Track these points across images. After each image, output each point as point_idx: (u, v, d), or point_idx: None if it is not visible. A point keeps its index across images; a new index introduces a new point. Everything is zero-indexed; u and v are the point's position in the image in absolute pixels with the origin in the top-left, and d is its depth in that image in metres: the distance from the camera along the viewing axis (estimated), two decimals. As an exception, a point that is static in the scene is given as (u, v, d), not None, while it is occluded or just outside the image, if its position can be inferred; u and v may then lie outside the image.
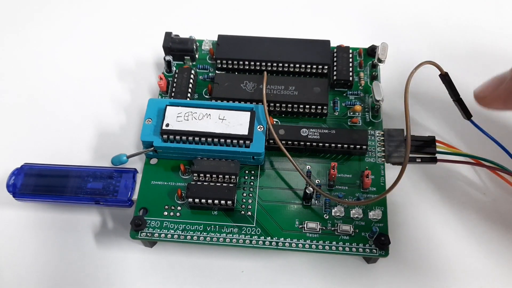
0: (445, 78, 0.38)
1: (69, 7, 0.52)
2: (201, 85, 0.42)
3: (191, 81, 0.41)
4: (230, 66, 0.42)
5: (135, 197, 0.37)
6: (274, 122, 0.40)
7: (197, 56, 0.44)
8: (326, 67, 0.41)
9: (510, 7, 0.51)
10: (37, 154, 0.42)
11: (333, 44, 0.43)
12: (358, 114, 0.40)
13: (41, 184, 0.38)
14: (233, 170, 0.36)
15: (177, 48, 0.43)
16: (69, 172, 0.38)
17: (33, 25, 0.51)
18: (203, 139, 0.37)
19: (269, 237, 0.35)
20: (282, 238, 0.35)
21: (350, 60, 0.42)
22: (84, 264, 0.38)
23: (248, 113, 0.37)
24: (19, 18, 0.52)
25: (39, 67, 0.48)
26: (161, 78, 0.41)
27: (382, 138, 0.38)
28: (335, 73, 0.41)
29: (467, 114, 0.39)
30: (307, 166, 0.38)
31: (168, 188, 0.37)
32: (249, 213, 0.36)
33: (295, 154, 0.38)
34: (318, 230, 0.35)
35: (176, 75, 0.41)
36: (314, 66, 0.41)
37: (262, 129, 0.37)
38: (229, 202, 0.35)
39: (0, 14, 0.52)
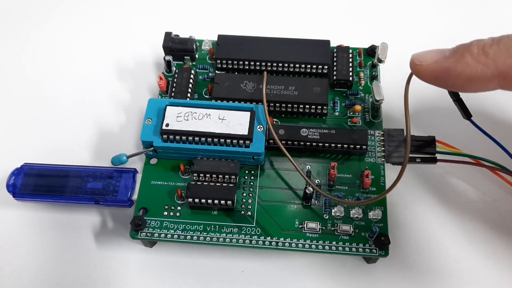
0: (445, 78, 0.38)
1: (69, 7, 0.52)
2: (201, 85, 0.42)
3: (191, 81, 0.41)
4: (230, 66, 0.42)
5: (135, 197, 0.37)
6: (274, 122, 0.40)
7: (197, 56, 0.44)
8: (326, 67, 0.41)
9: (510, 7, 0.51)
10: (37, 154, 0.42)
11: (333, 44, 0.43)
12: (358, 114, 0.40)
13: (41, 184, 0.38)
14: (233, 170, 0.36)
15: (177, 48, 0.43)
16: (69, 172, 0.38)
17: (32, 25, 0.51)
18: (203, 139, 0.37)
19: (269, 237, 0.35)
20: (282, 238, 0.35)
21: (350, 60, 0.42)
22: (84, 264, 0.38)
23: (248, 113, 0.37)
24: (19, 18, 0.52)
25: (39, 67, 0.48)
26: (161, 78, 0.41)
27: (382, 138, 0.38)
28: (335, 73, 0.41)
29: (467, 114, 0.39)
30: (307, 166, 0.38)
31: (168, 188, 0.37)
32: (249, 213, 0.36)
33: (295, 154, 0.38)
34: (318, 230, 0.35)
35: (176, 75, 0.41)
36: (314, 66, 0.41)
37: (262, 129, 0.37)
38: (229, 202, 0.35)
39: None
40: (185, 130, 0.37)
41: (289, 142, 0.38)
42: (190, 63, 0.44)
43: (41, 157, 0.41)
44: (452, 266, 0.37)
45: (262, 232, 0.35)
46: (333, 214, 0.36)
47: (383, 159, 0.38)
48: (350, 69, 0.41)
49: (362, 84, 0.42)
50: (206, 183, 0.36)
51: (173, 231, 0.36)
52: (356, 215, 0.36)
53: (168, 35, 0.43)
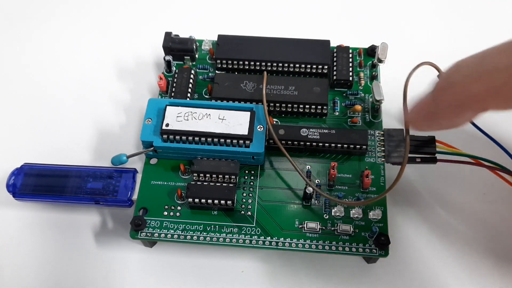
0: (444, 78, 0.38)
1: (69, 7, 0.52)
2: (201, 85, 0.42)
3: (191, 81, 0.41)
4: (230, 66, 0.42)
5: (135, 197, 0.37)
6: (274, 122, 0.40)
7: (197, 56, 0.44)
8: (326, 67, 0.41)
9: (509, 7, 0.51)
10: (37, 154, 0.42)
11: (333, 44, 0.43)
12: (358, 114, 0.40)
13: (41, 184, 0.38)
14: (233, 170, 0.36)
15: (177, 48, 0.43)
16: (69, 172, 0.38)
17: (32, 26, 0.51)
18: (203, 139, 0.37)
19: (269, 237, 0.35)
20: (282, 238, 0.35)
21: (350, 60, 0.42)
22: (84, 264, 0.38)
23: (248, 113, 0.37)
24: (19, 19, 0.52)
25: (39, 67, 0.48)
26: (161, 78, 0.41)
27: (382, 138, 0.38)
28: (335, 73, 0.41)
29: (467, 114, 0.39)
30: (307, 166, 0.38)
31: (168, 188, 0.37)
32: (249, 213, 0.36)
33: (295, 154, 0.38)
34: (318, 230, 0.35)
35: (176, 75, 0.42)
36: (314, 66, 0.41)
37: (262, 129, 0.37)
38: (229, 202, 0.35)
39: None
40: (185, 130, 0.37)
41: (289, 142, 0.38)
42: (190, 63, 0.44)
43: (41, 157, 0.41)
44: (452, 266, 0.37)
45: (262, 232, 0.35)
46: (333, 214, 0.36)
47: (383, 159, 0.38)
48: (350, 69, 0.41)
49: (362, 84, 0.42)
50: (206, 183, 0.36)
51: (173, 231, 0.36)
52: (356, 215, 0.36)
53: (168, 35, 0.43)
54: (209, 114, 0.37)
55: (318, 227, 0.35)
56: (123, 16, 0.51)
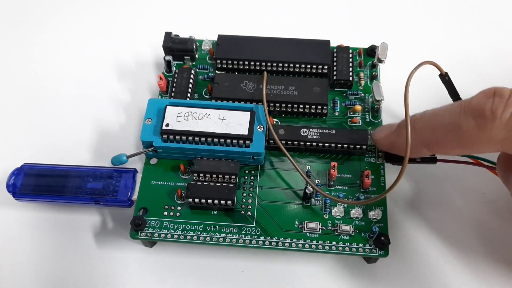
0: (445, 78, 0.38)
1: (69, 7, 0.52)
2: (201, 85, 0.42)
3: (191, 81, 0.41)
4: (230, 66, 0.42)
5: (135, 197, 0.37)
6: (274, 122, 0.40)
7: (197, 56, 0.44)
8: (326, 67, 0.41)
9: (507, 8, 0.51)
10: (37, 154, 0.42)
11: (333, 44, 0.43)
12: (358, 114, 0.40)
13: (41, 184, 0.38)
14: (233, 170, 0.36)
15: (177, 48, 0.43)
16: (69, 172, 0.38)
17: (33, 25, 0.51)
18: (203, 139, 0.37)
19: (269, 237, 0.35)
20: (282, 238, 0.35)
21: (350, 60, 0.42)
22: (84, 264, 0.38)
23: (248, 113, 0.37)
24: (19, 18, 0.52)
25: (39, 67, 0.48)
26: (161, 78, 0.41)
27: (382, 138, 0.38)
28: (335, 73, 0.41)
29: (467, 114, 0.39)
30: (307, 166, 0.38)
31: (168, 188, 0.37)
32: (249, 213, 0.36)
33: (295, 154, 0.38)
34: (318, 230, 0.35)
35: (176, 75, 0.42)
36: (314, 66, 0.41)
37: (262, 129, 0.37)
38: (229, 202, 0.35)
39: None
40: (185, 130, 0.37)
41: (289, 142, 0.38)
42: (190, 63, 0.44)
43: (41, 157, 0.41)
44: (452, 266, 0.37)
45: (262, 232, 0.35)
46: (333, 214, 0.36)
47: (383, 159, 0.38)
48: (350, 69, 0.41)
49: (362, 84, 0.42)
50: (206, 183, 0.36)
51: (173, 231, 0.36)
52: (356, 215, 0.36)
53: (168, 35, 0.43)
54: (209, 114, 0.37)
55: (318, 227, 0.35)
56: (123, 16, 0.51)
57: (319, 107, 0.39)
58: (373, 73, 0.42)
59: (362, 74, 0.42)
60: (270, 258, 0.38)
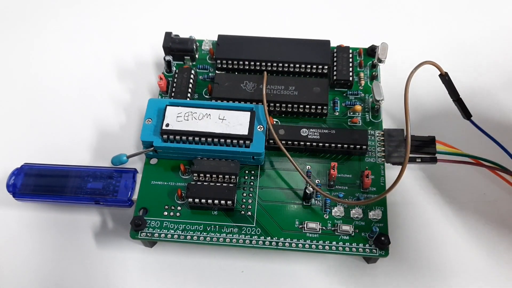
0: (445, 78, 0.38)
1: (69, 7, 0.52)
2: (201, 85, 0.42)
3: (191, 81, 0.41)
4: (230, 66, 0.42)
5: (135, 197, 0.37)
6: (274, 122, 0.40)
7: (197, 56, 0.44)
8: (326, 67, 0.41)
9: (509, 6, 0.51)
10: (37, 154, 0.42)
11: (333, 44, 0.43)
12: (358, 114, 0.40)
13: (41, 184, 0.38)
14: (233, 170, 0.36)
15: (177, 48, 0.43)
16: (69, 172, 0.38)
17: (33, 25, 0.51)
18: (203, 139, 0.37)
19: (269, 237, 0.35)
20: (282, 238, 0.35)
21: (350, 60, 0.42)
22: (84, 264, 0.38)
23: (248, 113, 0.37)
24: (19, 18, 0.52)
25: (39, 67, 0.48)
26: (161, 78, 0.41)
27: (382, 138, 0.38)
28: (335, 73, 0.41)
29: (467, 114, 0.39)
30: (307, 166, 0.38)
31: (168, 188, 0.37)
32: (249, 213, 0.36)
33: (295, 154, 0.38)
34: (318, 230, 0.35)
35: (176, 75, 0.41)
36: (314, 66, 0.41)
37: (262, 129, 0.37)
38: (229, 202, 0.35)
39: None
40: (185, 130, 0.37)
41: (289, 142, 0.38)
42: (190, 63, 0.44)
43: (41, 157, 0.41)
44: (452, 266, 0.37)
45: (262, 232, 0.35)
46: (333, 214, 0.36)
47: (383, 159, 0.38)
48: (350, 69, 0.41)
49: (362, 84, 0.42)
50: (206, 183, 0.36)
51: (173, 231, 0.36)
52: (356, 215, 0.36)
53: (168, 35, 0.43)
54: (209, 114, 0.37)
55: (318, 227, 0.35)
56: (123, 16, 0.51)
57: (319, 107, 0.39)
58: (373, 73, 0.42)
59: (362, 74, 0.42)
60: (270, 258, 0.38)
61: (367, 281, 0.37)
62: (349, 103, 0.41)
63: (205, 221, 0.36)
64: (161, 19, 0.51)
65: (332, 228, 0.35)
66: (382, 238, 0.34)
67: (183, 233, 0.35)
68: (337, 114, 0.41)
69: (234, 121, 0.37)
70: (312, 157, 0.39)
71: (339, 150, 0.38)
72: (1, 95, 0.46)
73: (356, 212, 0.36)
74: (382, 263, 0.37)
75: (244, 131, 0.37)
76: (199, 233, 0.35)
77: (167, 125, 0.37)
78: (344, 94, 0.41)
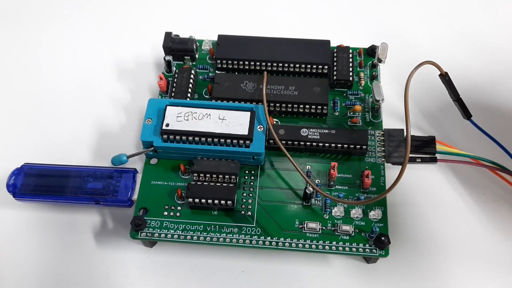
0: (445, 78, 0.38)
1: (69, 7, 0.52)
2: (201, 85, 0.42)
3: (191, 81, 0.41)
4: (230, 66, 0.42)
5: (135, 197, 0.37)
6: (274, 122, 0.40)
7: (197, 56, 0.44)
8: (326, 67, 0.41)
9: (509, 6, 0.51)
10: (37, 154, 0.42)
11: (333, 44, 0.43)
12: (358, 114, 0.40)
13: (41, 184, 0.38)
14: (233, 170, 0.36)
15: (177, 48, 0.43)
16: (69, 172, 0.38)
17: (33, 26, 0.51)
18: (203, 139, 0.37)
19: (269, 237, 0.35)
20: (282, 238, 0.35)
21: (350, 60, 0.42)
22: (84, 264, 0.38)
23: (248, 113, 0.37)
24: (19, 18, 0.52)
25: (39, 67, 0.48)
26: (161, 78, 0.41)
27: (382, 138, 0.38)
28: (335, 73, 0.41)
29: (467, 114, 0.39)
30: (307, 166, 0.38)
31: (168, 188, 0.37)
32: (249, 213, 0.36)
33: (295, 154, 0.38)
34: (318, 230, 0.35)
35: (176, 75, 0.42)
36: (314, 66, 0.41)
37: (262, 129, 0.37)
38: (229, 202, 0.35)
39: None
40: (185, 130, 0.37)
41: (289, 142, 0.38)
42: (190, 63, 0.44)
43: (41, 157, 0.41)
44: (452, 266, 0.37)
45: (262, 232, 0.35)
46: (333, 214, 0.36)
47: (383, 159, 0.38)
48: (350, 69, 0.41)
49: (362, 84, 0.42)
50: (206, 183, 0.36)
51: (173, 231, 0.36)
52: (356, 215, 0.36)
53: (168, 35, 0.43)
54: (209, 114, 0.37)
55: (318, 227, 0.35)
56: (123, 16, 0.51)
57: (319, 107, 0.39)
58: (373, 73, 0.42)
59: (362, 74, 0.42)
60: (270, 258, 0.38)
61: (367, 281, 0.37)
62: (349, 103, 0.41)
63: (205, 221, 0.36)
64: (161, 19, 0.51)
65: (332, 228, 0.35)
66: (382, 238, 0.34)
67: (183, 233, 0.35)
68: (337, 114, 0.41)
69: (234, 121, 0.37)
70: (312, 157, 0.39)
71: (339, 150, 0.38)
72: (1, 95, 0.46)
73: (356, 212, 0.36)
74: (382, 263, 0.37)
75: (244, 131, 0.37)
76: (199, 233, 0.35)
77: (167, 125, 0.37)
78: (344, 94, 0.41)
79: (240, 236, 0.35)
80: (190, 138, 0.37)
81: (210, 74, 0.43)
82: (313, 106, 0.39)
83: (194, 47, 0.43)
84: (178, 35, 0.44)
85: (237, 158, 0.37)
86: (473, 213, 0.39)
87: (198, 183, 0.36)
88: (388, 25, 0.50)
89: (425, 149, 0.37)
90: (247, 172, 0.38)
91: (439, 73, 0.38)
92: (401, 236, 0.38)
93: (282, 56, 0.41)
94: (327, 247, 0.35)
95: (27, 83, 0.47)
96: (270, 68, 0.42)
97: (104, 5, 0.52)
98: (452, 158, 0.38)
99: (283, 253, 0.37)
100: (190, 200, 0.35)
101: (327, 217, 0.36)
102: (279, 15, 0.51)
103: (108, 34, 0.50)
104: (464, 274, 0.37)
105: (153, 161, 0.39)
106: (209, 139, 0.37)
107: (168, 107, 0.38)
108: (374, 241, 0.35)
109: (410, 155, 0.36)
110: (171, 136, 0.37)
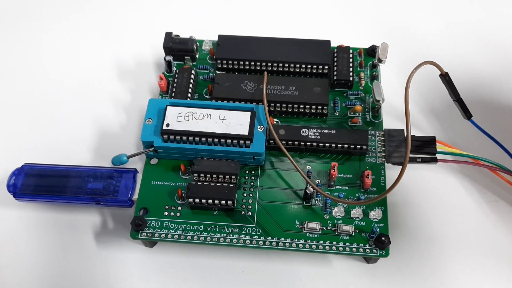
0: (445, 78, 0.38)
1: (69, 7, 0.52)
2: (201, 85, 0.42)
3: (191, 81, 0.41)
4: (230, 66, 0.42)
5: (135, 197, 0.37)
6: (275, 122, 0.40)
7: (197, 56, 0.44)
8: (327, 67, 0.41)
9: (509, 5, 0.51)
10: (37, 154, 0.42)
11: (333, 44, 0.43)
12: (359, 114, 0.40)
13: (41, 184, 0.38)
14: (234, 170, 0.36)
15: (177, 48, 0.43)
16: (69, 172, 0.38)
17: (33, 26, 0.51)
18: (203, 139, 0.37)
19: (269, 237, 0.35)
20: (282, 238, 0.35)
21: (351, 60, 0.42)
22: (84, 264, 0.38)
23: (249, 113, 0.37)
24: (20, 18, 0.52)
25: (39, 67, 0.48)
26: (161, 78, 0.41)
27: (383, 138, 0.38)
28: (335, 73, 0.41)
29: (467, 114, 0.39)
30: (308, 166, 0.38)
31: (168, 188, 0.37)
32: (249, 213, 0.36)
33: (296, 154, 0.38)
34: (318, 230, 0.35)
35: (176, 75, 0.42)
36: (315, 66, 0.41)
37: (262, 129, 0.37)
38: (229, 202, 0.35)
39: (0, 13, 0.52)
40: (185, 130, 0.37)
41: (289, 142, 0.38)
42: (191, 63, 0.44)
43: (42, 157, 0.41)
44: (452, 266, 0.37)
45: (263, 232, 0.35)
46: (333, 214, 0.36)
47: (383, 159, 0.38)
48: (351, 69, 0.41)
49: (363, 84, 0.42)
50: (206, 183, 0.36)
51: (173, 231, 0.36)
52: (357, 215, 0.36)
53: (168, 35, 0.43)
54: (210, 114, 0.37)
55: (319, 227, 0.35)
56: (123, 16, 0.51)
57: (320, 107, 0.39)
58: (374, 73, 0.42)
59: (362, 74, 0.42)
60: (270, 258, 0.38)
61: (367, 281, 0.37)
62: (349, 103, 0.41)
63: (205, 221, 0.36)
64: (162, 19, 0.51)
65: (333, 228, 0.35)
66: (383, 238, 0.34)
67: (183, 233, 0.35)
68: (337, 114, 0.41)
69: (234, 121, 0.37)
70: (313, 157, 0.39)
71: (339, 150, 0.38)
72: (1, 95, 0.46)
73: (356, 212, 0.36)
74: (382, 263, 0.37)
75: (245, 131, 0.37)
76: (199, 233, 0.35)
77: (168, 125, 0.37)
78: (345, 94, 0.41)
79: (241, 236, 0.35)
80: (191, 138, 0.37)
81: (210, 74, 0.43)
82: (314, 106, 0.39)
83: (195, 47, 0.43)
84: (178, 35, 0.44)
85: (237, 158, 0.37)
86: (473, 213, 0.39)
87: (198, 183, 0.36)
88: (388, 25, 0.50)
89: (425, 149, 0.37)
90: (247, 172, 0.38)
91: (440, 73, 0.38)
92: (401, 236, 0.38)
93: (282, 56, 0.41)
94: (327, 247, 0.35)
95: (28, 83, 0.47)
96: (270, 68, 0.42)
97: (105, 5, 0.52)
98: (453, 158, 0.38)
99: (283, 253, 0.37)
100: (191, 200, 0.35)
101: (328, 217, 0.36)
102: (279, 15, 0.51)
103: (109, 34, 0.50)
104: (464, 274, 0.37)
105: (154, 161, 0.39)
106: (210, 139, 0.37)
107: (168, 107, 0.38)
108: (375, 241, 0.35)
109: (411, 155, 0.36)
110: (172, 136, 0.37)
